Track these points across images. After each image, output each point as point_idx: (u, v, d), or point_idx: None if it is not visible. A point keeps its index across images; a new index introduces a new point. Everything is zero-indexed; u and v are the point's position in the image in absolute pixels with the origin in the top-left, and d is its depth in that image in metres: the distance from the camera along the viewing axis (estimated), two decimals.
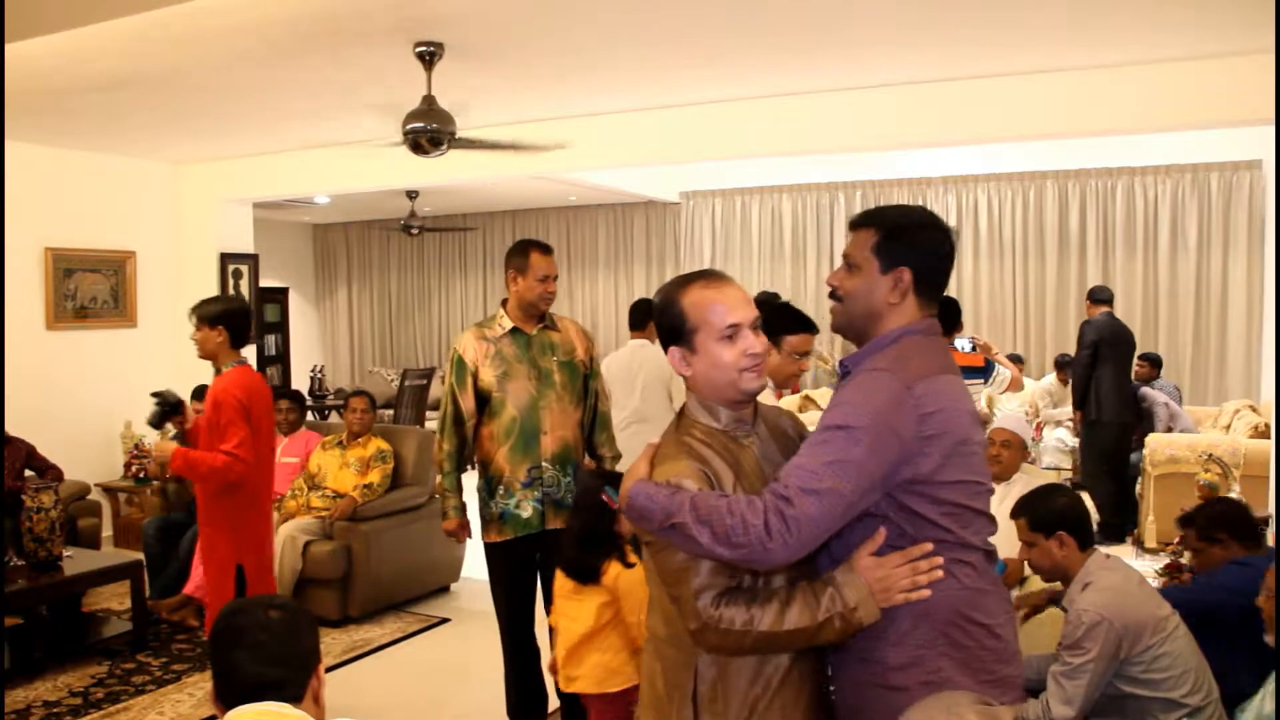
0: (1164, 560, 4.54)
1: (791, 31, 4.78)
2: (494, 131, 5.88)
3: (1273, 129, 4.87)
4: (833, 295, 2.23)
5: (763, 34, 4.80)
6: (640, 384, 5.83)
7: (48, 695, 4.89)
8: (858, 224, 2.19)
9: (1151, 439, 7.21)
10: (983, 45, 5.00)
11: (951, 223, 6.32)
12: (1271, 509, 5.45)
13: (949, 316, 3.94)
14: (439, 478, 4.24)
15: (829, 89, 5.90)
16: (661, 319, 2.17)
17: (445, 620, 6.02)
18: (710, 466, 2.08)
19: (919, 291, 2.12)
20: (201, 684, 4.99)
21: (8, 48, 4.50)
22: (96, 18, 4.22)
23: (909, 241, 2.12)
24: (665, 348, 2.18)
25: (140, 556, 5.84)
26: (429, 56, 4.89)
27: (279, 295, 13.86)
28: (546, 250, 4.18)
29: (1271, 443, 6.07)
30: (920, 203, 10.98)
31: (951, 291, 5.62)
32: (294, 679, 1.80)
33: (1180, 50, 5.03)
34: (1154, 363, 8.97)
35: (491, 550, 4.18)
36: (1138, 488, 7.42)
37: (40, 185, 7.45)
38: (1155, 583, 4.22)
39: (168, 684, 5.02)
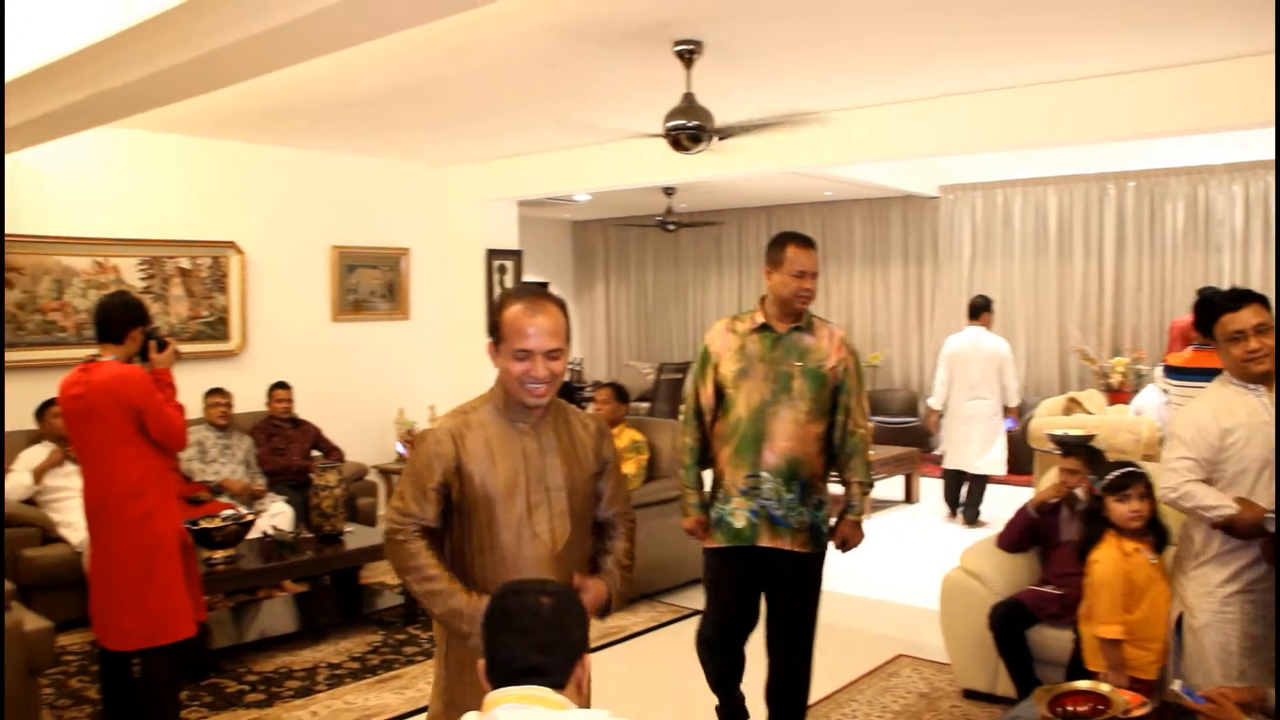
0: None
1: (1052, 11, 4.53)
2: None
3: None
4: None
5: (1019, 15, 4.57)
6: (977, 365, 7.48)
7: (331, 658, 5.29)
8: None
9: None
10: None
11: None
12: None
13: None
14: (681, 471, 3.95)
15: (1090, 75, 5.59)
16: (491, 315, 2.62)
17: (697, 612, 6.04)
18: (466, 436, 2.57)
19: None
20: None
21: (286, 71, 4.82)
22: (368, 36, 4.45)
23: None
24: (490, 335, 2.59)
25: None
26: (688, 55, 4.95)
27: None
28: (805, 243, 3.74)
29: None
30: (1204, 194, 10.22)
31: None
32: (558, 666, 1.86)
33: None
34: None
35: (706, 555, 3.94)
36: None
37: (328, 188, 8.05)
38: None
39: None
